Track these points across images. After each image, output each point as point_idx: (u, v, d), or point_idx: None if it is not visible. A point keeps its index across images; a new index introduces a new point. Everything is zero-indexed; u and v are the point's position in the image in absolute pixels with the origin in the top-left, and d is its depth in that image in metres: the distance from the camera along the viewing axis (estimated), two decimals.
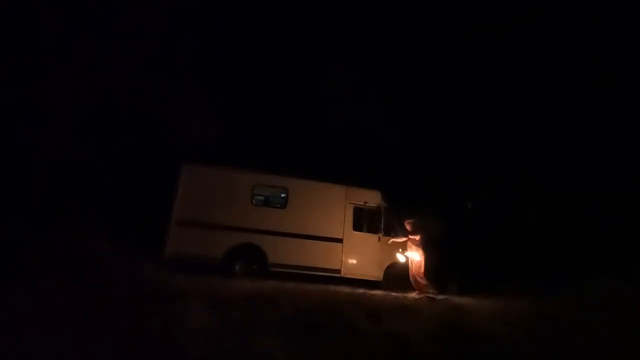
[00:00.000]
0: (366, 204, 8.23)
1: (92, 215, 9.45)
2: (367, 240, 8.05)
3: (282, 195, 7.96)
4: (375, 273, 8.00)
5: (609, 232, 10.68)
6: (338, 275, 7.79)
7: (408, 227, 7.66)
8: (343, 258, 7.83)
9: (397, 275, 8.02)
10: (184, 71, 13.28)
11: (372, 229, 8.13)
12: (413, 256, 7.59)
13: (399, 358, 3.52)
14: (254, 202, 7.82)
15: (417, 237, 7.56)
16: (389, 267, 8.04)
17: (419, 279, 7.45)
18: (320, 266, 7.66)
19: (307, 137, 14.10)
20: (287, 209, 7.85)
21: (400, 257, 7.75)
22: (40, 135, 9.95)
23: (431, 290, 7.40)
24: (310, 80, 14.92)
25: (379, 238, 8.04)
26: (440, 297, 7.34)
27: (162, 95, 12.27)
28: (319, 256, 7.70)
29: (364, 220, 8.17)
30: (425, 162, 13.79)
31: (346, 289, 7.19)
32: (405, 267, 7.98)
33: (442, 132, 14.63)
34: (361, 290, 7.32)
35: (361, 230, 8.07)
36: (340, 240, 7.90)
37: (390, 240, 7.86)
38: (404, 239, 7.74)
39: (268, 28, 15.23)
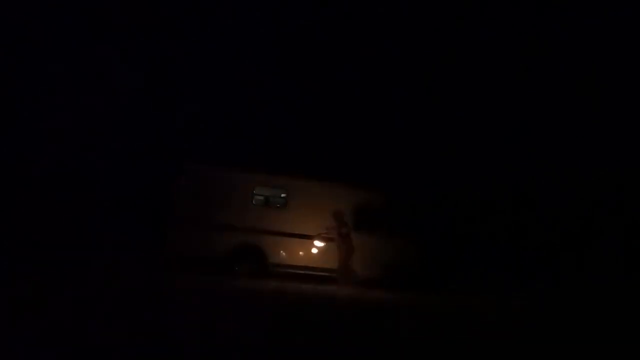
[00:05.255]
0: (367, 204, 8.22)
1: (93, 215, 9.46)
2: (367, 240, 8.03)
3: (282, 195, 7.95)
4: (375, 273, 7.99)
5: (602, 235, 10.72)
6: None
7: (337, 218, 7.44)
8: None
9: (398, 276, 8.03)
10: (184, 71, 13.29)
11: (373, 230, 8.11)
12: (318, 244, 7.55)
13: (398, 357, 3.52)
14: (254, 202, 7.81)
15: (345, 229, 7.39)
16: (389, 267, 8.03)
17: (344, 269, 7.31)
18: (320, 266, 7.64)
19: (307, 137, 14.09)
20: (287, 209, 7.84)
21: (317, 244, 7.67)
22: (39, 134, 9.95)
23: (348, 283, 7.24)
24: (311, 80, 14.92)
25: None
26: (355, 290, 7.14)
27: (162, 94, 12.27)
28: (319, 256, 7.68)
29: (364, 221, 8.15)
30: (425, 162, 13.79)
31: (347, 290, 7.19)
32: (406, 267, 8.02)
33: (442, 132, 14.64)
34: (362, 291, 7.32)
35: (361, 231, 8.04)
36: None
37: (320, 234, 7.57)
38: (334, 230, 7.46)
39: (268, 27, 15.23)
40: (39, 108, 10.12)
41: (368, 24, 16.15)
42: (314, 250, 7.69)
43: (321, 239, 7.63)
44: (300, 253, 7.69)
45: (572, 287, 9.45)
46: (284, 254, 7.62)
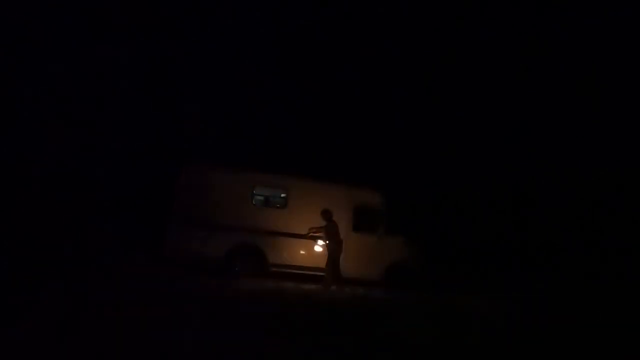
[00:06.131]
0: (366, 204, 8.22)
1: (92, 215, 9.46)
2: (367, 240, 8.04)
3: (282, 195, 7.95)
4: (375, 273, 7.99)
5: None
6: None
7: (323, 216, 7.33)
8: (343, 258, 7.79)
9: (398, 276, 8.03)
10: (184, 71, 13.29)
11: (373, 230, 8.11)
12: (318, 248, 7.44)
13: (398, 357, 3.53)
14: (254, 202, 7.81)
15: (333, 228, 7.29)
16: (389, 267, 8.04)
17: (332, 268, 7.21)
18: (320, 266, 7.64)
19: (307, 137, 14.09)
20: (287, 209, 7.83)
21: (318, 248, 7.56)
22: (39, 134, 9.94)
23: (333, 283, 7.16)
24: (311, 80, 14.92)
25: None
26: (339, 290, 7.04)
27: (163, 94, 12.27)
28: (318, 256, 7.68)
29: (364, 221, 8.15)
30: (425, 162, 13.79)
31: (347, 290, 7.19)
32: (406, 267, 8.04)
33: (441, 132, 14.64)
34: (361, 291, 7.32)
35: (361, 231, 8.05)
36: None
37: (309, 234, 7.47)
38: (322, 230, 7.37)
39: (268, 27, 15.22)
40: (39, 108, 10.12)
41: (368, 24, 16.15)
42: (314, 250, 7.68)
43: (310, 239, 7.55)
44: (300, 253, 7.69)
45: (572, 287, 9.45)
46: (283, 254, 7.61)
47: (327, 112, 14.63)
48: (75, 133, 10.37)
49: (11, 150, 9.29)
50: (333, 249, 7.26)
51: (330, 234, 7.30)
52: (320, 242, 7.55)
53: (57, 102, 10.39)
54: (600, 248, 11.02)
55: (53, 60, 10.44)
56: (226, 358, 3.04)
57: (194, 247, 7.21)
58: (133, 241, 8.91)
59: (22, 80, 10.00)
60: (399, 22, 16.26)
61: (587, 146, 13.17)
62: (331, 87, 14.97)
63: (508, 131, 14.14)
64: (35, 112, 10.08)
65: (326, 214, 7.35)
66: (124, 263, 7.60)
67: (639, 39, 13.21)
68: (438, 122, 14.69)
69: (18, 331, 3.15)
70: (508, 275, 10.29)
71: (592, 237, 11.34)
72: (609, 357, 4.23)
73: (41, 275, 5.61)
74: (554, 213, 12.39)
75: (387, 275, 8.01)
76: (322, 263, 7.56)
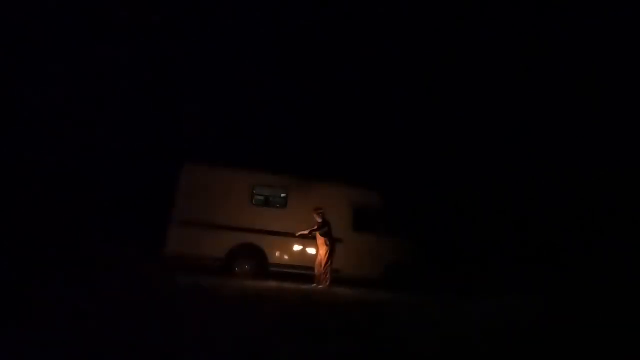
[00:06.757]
0: (367, 204, 8.23)
1: (92, 215, 9.46)
2: (367, 240, 8.05)
3: (282, 195, 7.96)
4: (375, 273, 8.00)
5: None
6: (338, 275, 7.78)
7: (316, 217, 7.32)
8: (343, 258, 7.80)
9: (398, 276, 8.04)
10: (184, 71, 13.29)
11: (372, 230, 8.12)
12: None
13: (398, 357, 3.52)
14: (253, 202, 7.82)
15: (326, 228, 7.30)
16: (389, 267, 8.04)
17: (320, 269, 7.24)
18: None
19: (307, 137, 14.10)
20: (287, 209, 7.85)
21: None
22: (39, 134, 9.94)
23: (326, 283, 7.15)
24: (311, 80, 14.92)
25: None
26: (332, 289, 7.00)
27: (162, 94, 12.27)
28: (318, 256, 7.68)
29: (364, 221, 8.16)
30: (425, 162, 13.80)
31: (347, 290, 7.19)
32: (406, 267, 8.04)
33: (441, 132, 14.65)
34: (362, 291, 7.32)
35: (361, 230, 8.06)
36: (340, 241, 7.89)
37: (299, 233, 7.43)
38: (313, 230, 7.34)
39: (268, 27, 15.23)
40: (39, 108, 10.13)
41: (368, 24, 16.14)
42: (314, 250, 7.68)
43: (301, 237, 7.53)
44: (300, 253, 7.70)
45: (572, 287, 9.45)
46: (284, 254, 7.62)
47: (327, 112, 14.64)
48: (75, 133, 10.37)
49: (11, 150, 9.29)
50: (328, 248, 7.27)
51: (325, 233, 7.31)
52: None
53: (57, 102, 10.38)
54: (600, 248, 11.01)
55: (53, 60, 10.44)
56: (226, 358, 3.04)
57: (194, 247, 7.22)
58: (133, 241, 8.91)
59: (22, 80, 10.00)
60: (399, 22, 16.25)
61: (587, 146, 13.17)
62: (331, 87, 14.98)
63: (508, 131, 14.15)
64: (35, 112, 10.07)
65: (319, 213, 7.35)
66: (123, 263, 7.60)
67: (639, 39, 13.21)
68: (438, 122, 14.71)
69: (18, 331, 3.15)
70: (508, 275, 10.29)
71: (592, 237, 11.34)
72: (609, 357, 4.23)
73: (41, 275, 5.61)
74: (554, 213, 12.38)
75: (387, 275, 8.02)
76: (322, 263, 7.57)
